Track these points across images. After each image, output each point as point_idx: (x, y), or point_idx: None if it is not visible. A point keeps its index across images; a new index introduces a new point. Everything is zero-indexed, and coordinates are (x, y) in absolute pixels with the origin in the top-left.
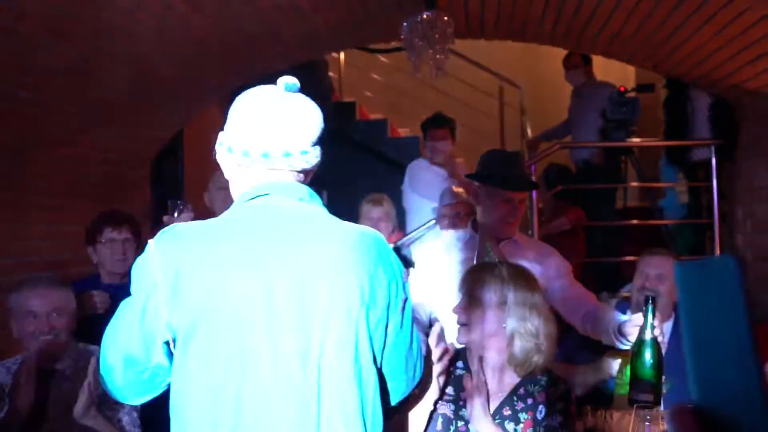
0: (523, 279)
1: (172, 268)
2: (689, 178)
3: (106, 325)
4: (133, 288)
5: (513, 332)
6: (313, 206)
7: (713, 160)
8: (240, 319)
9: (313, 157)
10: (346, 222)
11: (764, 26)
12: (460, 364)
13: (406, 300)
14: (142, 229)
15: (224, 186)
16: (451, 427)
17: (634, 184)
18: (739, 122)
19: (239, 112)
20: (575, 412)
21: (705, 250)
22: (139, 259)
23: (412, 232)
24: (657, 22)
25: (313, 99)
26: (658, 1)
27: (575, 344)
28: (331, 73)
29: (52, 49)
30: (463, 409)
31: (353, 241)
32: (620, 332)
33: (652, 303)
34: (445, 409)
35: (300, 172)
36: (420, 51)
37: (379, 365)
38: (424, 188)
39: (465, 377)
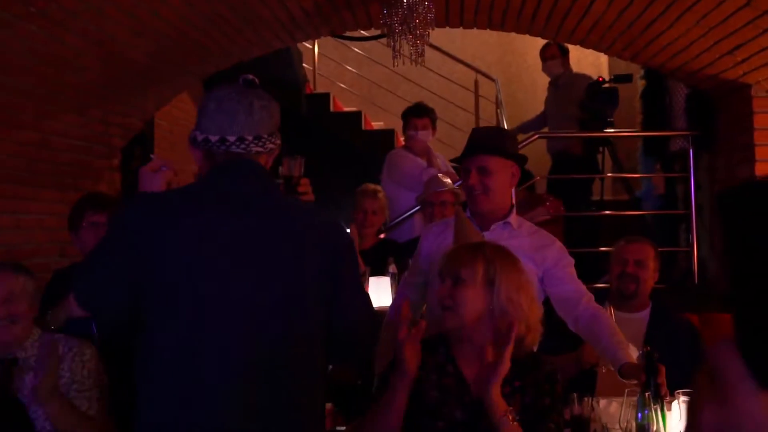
0: (508, 258)
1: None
2: (666, 169)
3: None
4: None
5: (502, 313)
6: (262, 183)
7: (690, 151)
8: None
9: (268, 142)
10: (288, 197)
11: (746, 14)
12: (441, 350)
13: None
14: None
15: None
16: (438, 414)
17: (611, 174)
18: (717, 114)
19: (201, 107)
20: (562, 393)
21: (679, 240)
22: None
23: (393, 220)
24: (638, 11)
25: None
26: None
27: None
28: (305, 65)
29: (20, 28)
30: (449, 397)
31: (288, 212)
32: (621, 374)
33: (651, 358)
34: (430, 396)
35: (256, 154)
36: (399, 36)
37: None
38: (403, 177)
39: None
